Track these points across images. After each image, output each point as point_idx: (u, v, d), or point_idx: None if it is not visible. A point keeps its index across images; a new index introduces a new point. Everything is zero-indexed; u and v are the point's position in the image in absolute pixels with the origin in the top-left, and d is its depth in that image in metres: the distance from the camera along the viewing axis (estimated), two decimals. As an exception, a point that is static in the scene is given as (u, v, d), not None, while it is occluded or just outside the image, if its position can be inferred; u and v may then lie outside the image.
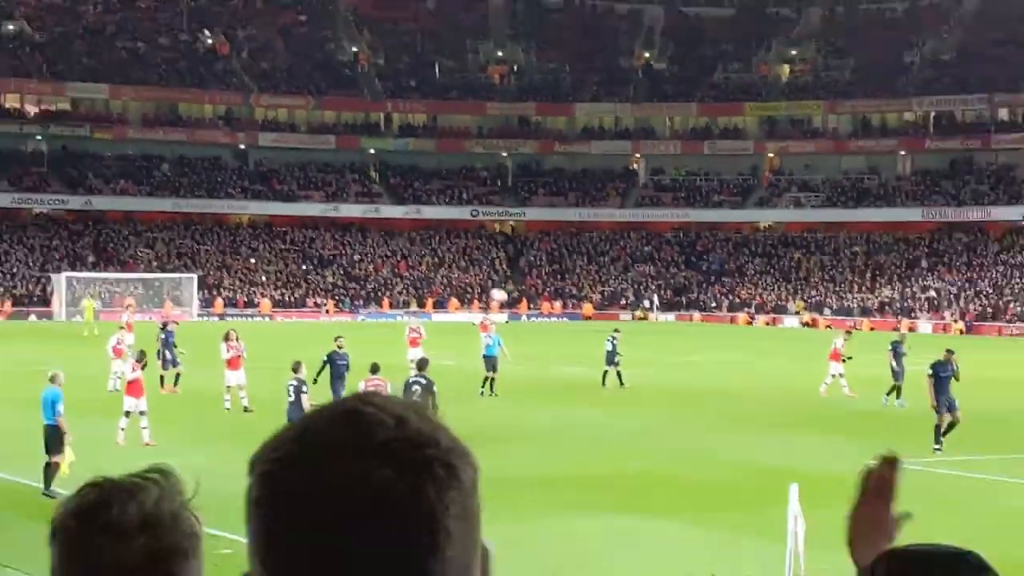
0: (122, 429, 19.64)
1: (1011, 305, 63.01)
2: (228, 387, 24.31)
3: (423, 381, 22.01)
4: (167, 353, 27.77)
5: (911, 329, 54.26)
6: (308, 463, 0.93)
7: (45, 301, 60.14)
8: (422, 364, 22.62)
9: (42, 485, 16.31)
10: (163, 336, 28.31)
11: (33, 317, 55.50)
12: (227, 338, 25.69)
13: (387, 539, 0.92)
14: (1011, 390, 30.92)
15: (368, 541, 0.92)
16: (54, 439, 16.62)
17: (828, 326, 59.72)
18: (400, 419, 0.95)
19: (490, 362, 28.44)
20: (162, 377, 26.60)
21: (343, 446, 0.93)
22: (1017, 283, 64.47)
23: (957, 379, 22.77)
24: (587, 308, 63.52)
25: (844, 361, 29.63)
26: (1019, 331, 58.91)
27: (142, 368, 20.34)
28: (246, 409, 22.95)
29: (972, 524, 14.13)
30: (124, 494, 1.37)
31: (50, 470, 16.14)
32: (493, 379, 27.73)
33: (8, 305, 57.71)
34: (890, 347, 28.15)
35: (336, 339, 23.94)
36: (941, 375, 22.66)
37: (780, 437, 23.16)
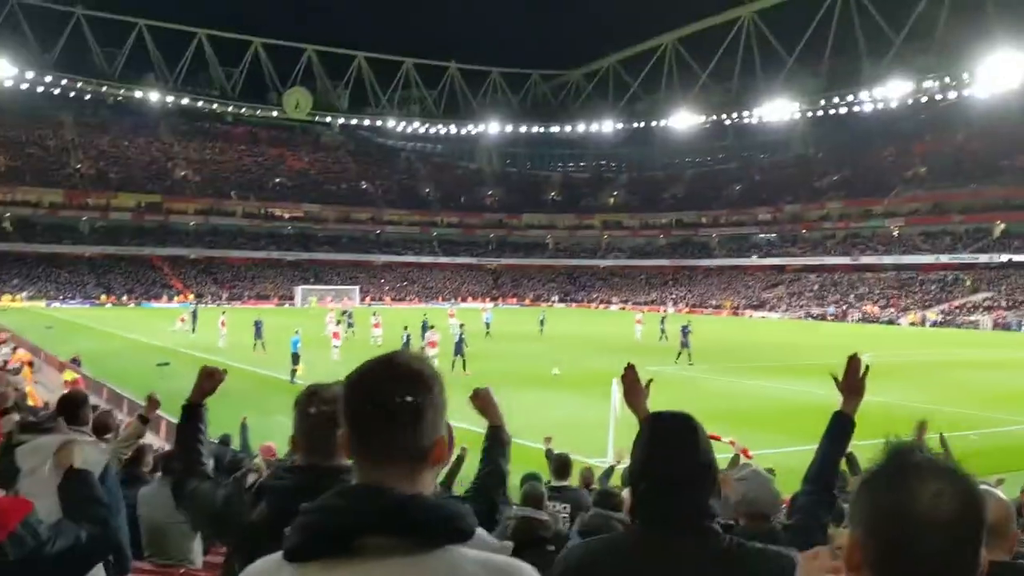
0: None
1: (708, 301, 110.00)
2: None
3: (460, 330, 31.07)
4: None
5: (663, 311, 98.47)
6: (359, 385, 1.58)
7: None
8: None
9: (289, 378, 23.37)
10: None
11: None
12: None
13: (410, 407, 1.56)
14: (714, 338, 41.83)
15: (387, 427, 1.56)
16: (295, 357, 25.28)
17: (626, 308, 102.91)
18: (413, 359, 1.61)
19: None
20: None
21: (381, 372, 1.58)
22: (717, 292, 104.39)
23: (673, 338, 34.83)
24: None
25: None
26: (713, 313, 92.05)
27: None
28: None
29: (692, 398, 20.52)
30: (323, 386, 2.47)
31: (294, 372, 23.84)
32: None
33: (276, 300, 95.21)
34: (681, 328, 33.60)
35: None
36: (685, 332, 32.46)
37: (607, 359, 28.45)
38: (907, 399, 23.46)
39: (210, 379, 3.04)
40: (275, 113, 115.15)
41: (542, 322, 47.18)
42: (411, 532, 1.51)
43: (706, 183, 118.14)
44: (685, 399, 23.66)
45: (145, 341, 38.75)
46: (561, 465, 8.07)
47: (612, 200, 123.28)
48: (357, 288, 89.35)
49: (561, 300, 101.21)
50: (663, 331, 42.74)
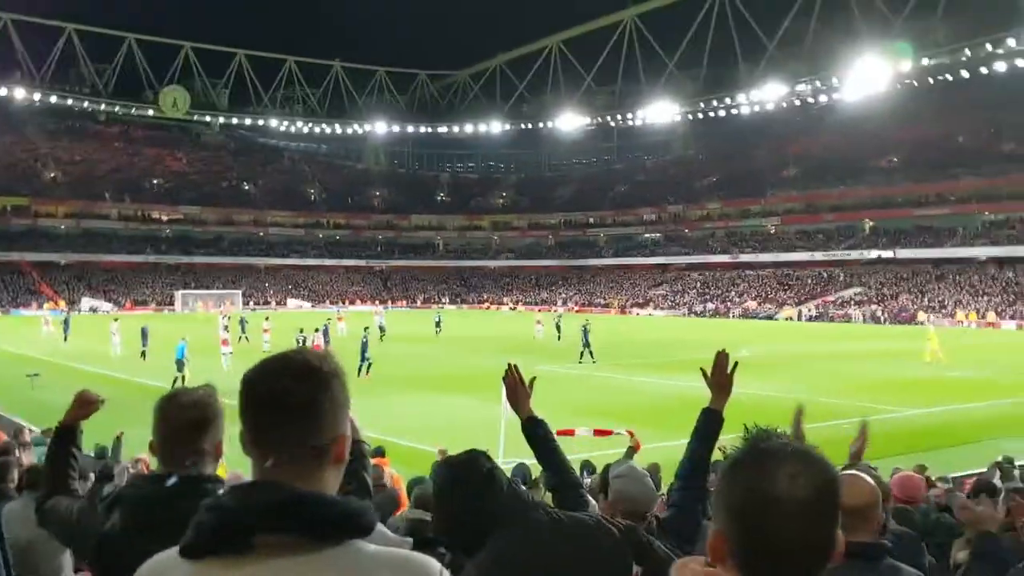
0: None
1: (597, 300, 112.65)
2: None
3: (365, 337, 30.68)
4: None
5: (554, 310, 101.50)
6: (259, 378, 1.59)
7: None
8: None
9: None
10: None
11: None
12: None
13: (297, 412, 1.57)
14: (605, 334, 44.08)
15: (288, 413, 1.57)
16: (180, 364, 26.28)
17: (518, 309, 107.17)
18: (313, 356, 1.63)
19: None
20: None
21: (283, 365, 1.60)
22: (606, 290, 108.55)
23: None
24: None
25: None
26: (601, 311, 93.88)
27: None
28: None
29: (588, 395, 23.63)
30: (185, 390, 2.48)
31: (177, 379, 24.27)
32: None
33: (154, 306, 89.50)
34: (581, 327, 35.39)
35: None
36: (586, 330, 34.35)
37: (498, 355, 33.71)
38: (783, 391, 24.55)
39: (84, 407, 3.04)
40: (151, 112, 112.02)
41: (438, 323, 47.79)
42: (308, 528, 1.50)
43: (593, 184, 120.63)
44: (583, 396, 24.34)
45: (13, 351, 37.83)
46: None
47: (501, 201, 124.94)
48: (239, 293, 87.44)
49: (452, 302, 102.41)
50: (559, 330, 44.52)
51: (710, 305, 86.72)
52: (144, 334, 34.69)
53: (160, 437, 2.47)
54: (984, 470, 10.75)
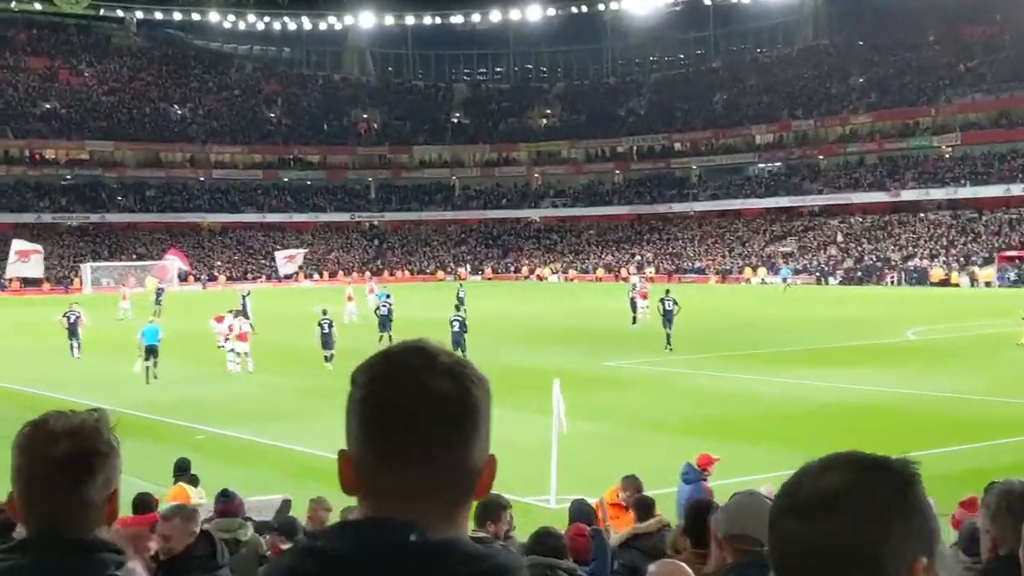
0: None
1: (687, 263, 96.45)
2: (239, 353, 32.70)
3: (460, 318, 33.90)
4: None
5: (624, 279, 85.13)
6: (395, 377, 1.71)
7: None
8: (459, 304, 37.16)
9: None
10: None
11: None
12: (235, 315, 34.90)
13: (448, 423, 1.69)
14: (697, 315, 44.67)
15: (438, 426, 1.68)
16: (151, 351, 30.71)
17: (571, 279, 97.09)
18: (448, 352, 1.76)
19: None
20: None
21: (419, 367, 1.71)
22: (689, 248, 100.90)
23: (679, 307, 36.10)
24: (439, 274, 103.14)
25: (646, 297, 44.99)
26: (695, 279, 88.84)
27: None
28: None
29: (676, 398, 24.69)
30: (59, 415, 2.40)
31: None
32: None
33: (49, 285, 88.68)
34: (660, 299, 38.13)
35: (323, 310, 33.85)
36: (667, 307, 36.74)
37: (546, 348, 35.12)
38: (957, 389, 24.99)
39: None
40: (39, 6, 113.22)
41: (461, 302, 47.73)
42: None
43: (680, 93, 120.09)
44: (670, 407, 24.47)
45: None
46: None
47: (545, 122, 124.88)
48: (175, 263, 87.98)
49: (475, 270, 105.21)
50: (634, 308, 45.93)
51: (855, 265, 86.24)
52: (72, 325, 37.50)
53: (21, 484, 2.41)
54: None
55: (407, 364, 1.72)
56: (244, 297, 48.14)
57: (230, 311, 36.63)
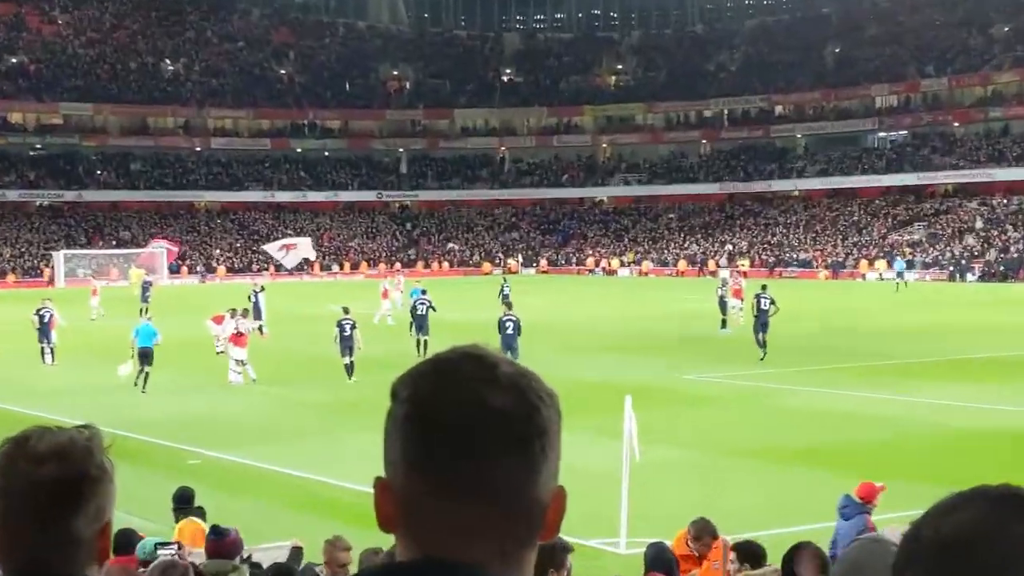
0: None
1: (790, 255, 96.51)
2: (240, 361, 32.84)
3: (514, 318, 34.18)
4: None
5: (712, 274, 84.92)
6: (447, 390, 1.70)
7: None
8: (510, 304, 35.95)
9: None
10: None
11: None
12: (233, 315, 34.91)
13: (512, 447, 1.68)
14: (798, 318, 45.19)
15: (498, 448, 1.67)
16: (145, 356, 31.28)
17: (646, 273, 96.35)
18: (509, 361, 1.75)
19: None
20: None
21: (477, 379, 1.70)
22: (792, 237, 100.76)
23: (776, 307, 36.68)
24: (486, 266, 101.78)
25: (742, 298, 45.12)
26: (799, 274, 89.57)
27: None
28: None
29: (758, 418, 24.93)
30: (43, 432, 2.41)
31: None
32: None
33: (14, 277, 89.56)
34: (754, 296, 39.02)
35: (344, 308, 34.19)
36: (762, 306, 37.15)
37: (615, 357, 35.68)
38: None
39: None
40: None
41: (505, 297, 48.24)
42: None
43: (780, 44, 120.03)
44: (769, 431, 24.44)
45: None
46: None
47: (615, 81, 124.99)
48: (162, 250, 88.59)
49: (528, 262, 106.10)
50: (723, 307, 46.24)
51: (998, 257, 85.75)
52: (43, 325, 38.38)
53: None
54: None
55: (461, 374, 1.71)
56: (256, 293, 48.65)
57: (231, 310, 36.73)
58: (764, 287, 39.27)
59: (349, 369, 32.14)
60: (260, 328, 43.46)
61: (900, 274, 77.95)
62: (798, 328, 42.39)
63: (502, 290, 52.54)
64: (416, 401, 1.69)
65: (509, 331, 32.96)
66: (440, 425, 1.68)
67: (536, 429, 1.70)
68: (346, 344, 32.82)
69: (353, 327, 33.20)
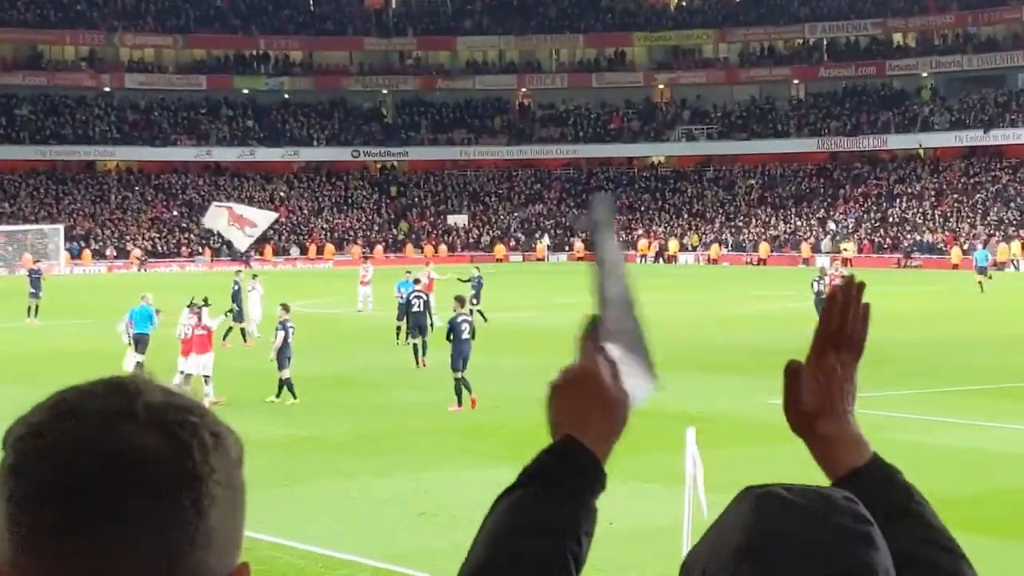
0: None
1: (909, 236, 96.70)
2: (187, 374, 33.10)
3: (470, 319, 35.89)
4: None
5: (806, 262, 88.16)
6: (66, 430, 1.62)
7: None
8: (463, 301, 36.09)
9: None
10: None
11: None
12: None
13: (151, 501, 1.59)
14: (910, 322, 45.27)
15: (133, 502, 1.58)
16: (140, 342, 34.26)
17: (716, 261, 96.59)
18: (166, 391, 1.67)
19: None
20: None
21: (105, 412, 1.63)
22: (916, 212, 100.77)
23: None
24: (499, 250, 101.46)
25: None
26: (926, 262, 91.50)
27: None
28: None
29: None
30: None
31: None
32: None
33: None
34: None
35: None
36: None
37: (672, 376, 31.69)
38: None
39: None
40: None
41: (475, 291, 51.96)
42: None
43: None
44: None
45: None
46: None
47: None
48: (58, 232, 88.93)
49: (558, 245, 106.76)
50: (818, 302, 46.18)
51: None
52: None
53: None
54: None
55: (91, 410, 1.66)
56: (238, 283, 49.05)
57: (190, 303, 36.35)
58: (852, 274, 39.02)
59: (281, 389, 33.07)
60: (243, 331, 44.99)
61: (982, 269, 76.76)
62: (916, 336, 42.49)
63: (473, 275, 54.18)
64: (24, 448, 1.64)
65: (465, 335, 33.19)
66: (44, 484, 1.61)
67: (186, 478, 1.64)
68: (281, 354, 33.55)
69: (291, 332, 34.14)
